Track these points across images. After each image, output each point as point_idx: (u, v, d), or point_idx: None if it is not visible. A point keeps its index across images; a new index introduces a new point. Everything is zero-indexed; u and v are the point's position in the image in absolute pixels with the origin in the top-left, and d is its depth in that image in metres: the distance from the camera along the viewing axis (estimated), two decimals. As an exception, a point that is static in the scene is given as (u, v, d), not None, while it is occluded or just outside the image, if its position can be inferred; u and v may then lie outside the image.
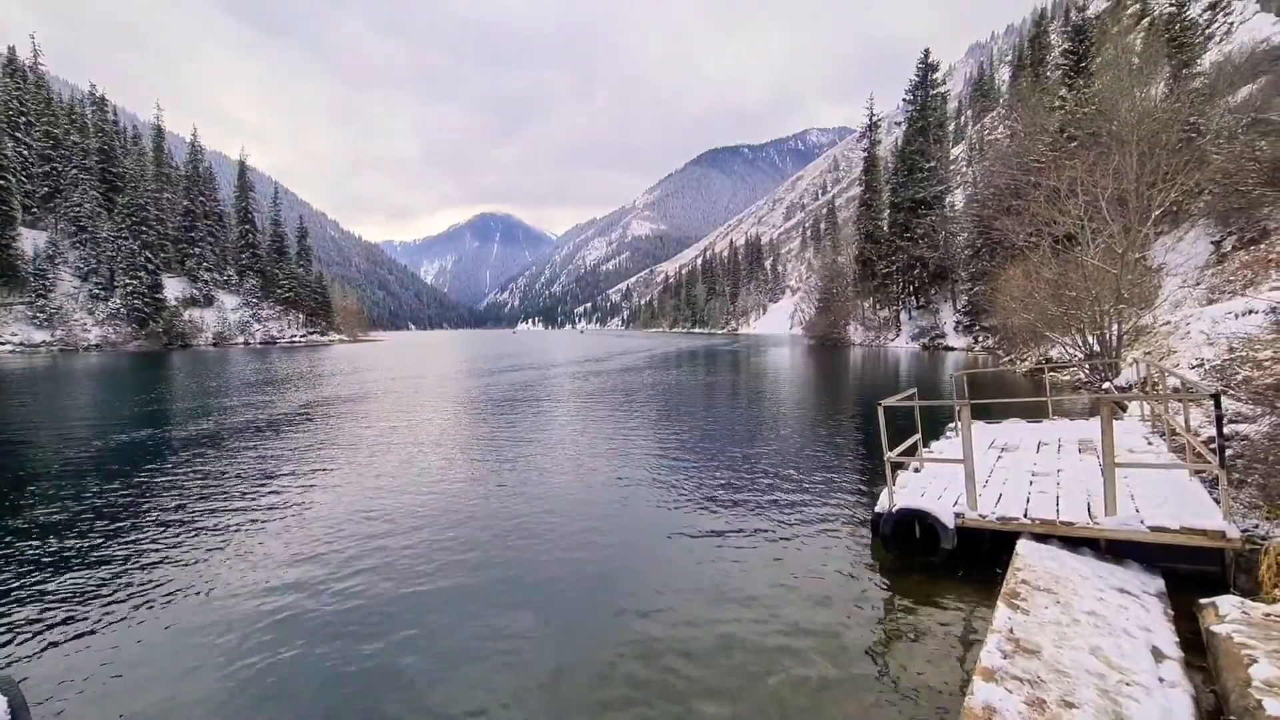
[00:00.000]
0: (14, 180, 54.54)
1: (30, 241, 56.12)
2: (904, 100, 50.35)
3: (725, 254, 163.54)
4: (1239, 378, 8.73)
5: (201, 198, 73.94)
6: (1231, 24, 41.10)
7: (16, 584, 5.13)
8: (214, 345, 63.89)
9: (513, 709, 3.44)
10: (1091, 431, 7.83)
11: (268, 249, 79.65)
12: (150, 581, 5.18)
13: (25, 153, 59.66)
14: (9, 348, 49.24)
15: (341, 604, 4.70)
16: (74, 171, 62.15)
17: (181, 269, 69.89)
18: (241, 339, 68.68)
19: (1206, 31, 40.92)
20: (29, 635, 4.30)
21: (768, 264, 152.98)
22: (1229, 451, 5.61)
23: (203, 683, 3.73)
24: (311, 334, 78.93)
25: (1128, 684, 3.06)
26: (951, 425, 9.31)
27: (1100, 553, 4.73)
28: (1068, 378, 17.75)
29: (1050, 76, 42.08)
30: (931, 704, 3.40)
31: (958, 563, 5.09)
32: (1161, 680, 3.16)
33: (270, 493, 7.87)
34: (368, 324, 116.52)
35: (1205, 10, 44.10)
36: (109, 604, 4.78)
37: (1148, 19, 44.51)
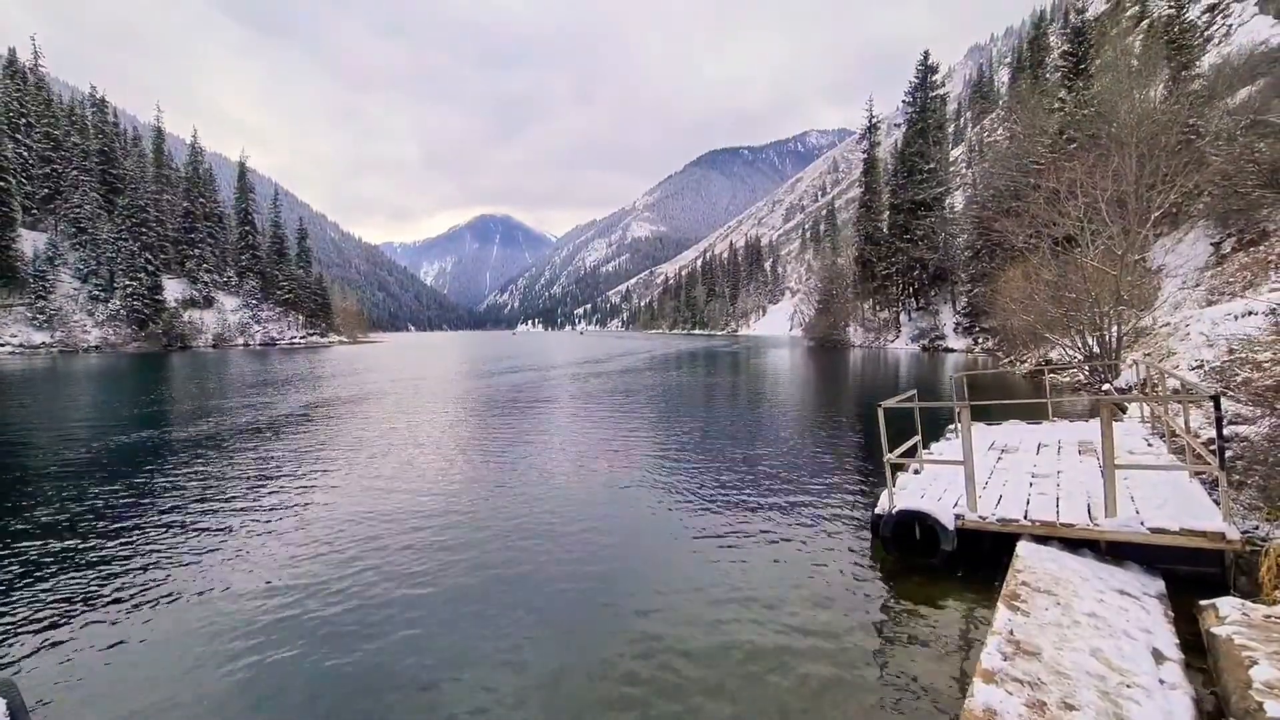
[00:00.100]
0: (14, 181, 54.54)
1: (30, 243, 56.12)
2: (903, 102, 50.39)
3: (725, 255, 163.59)
4: (1239, 379, 8.73)
5: (201, 199, 73.96)
6: (1230, 26, 41.18)
7: (15, 585, 5.12)
8: (214, 347, 63.88)
9: (513, 709, 3.43)
10: (1091, 433, 7.83)
11: (268, 250, 79.65)
12: (149, 582, 5.18)
13: (25, 154, 59.66)
14: (9, 349, 49.23)
15: (341, 604, 4.69)
16: (74, 173, 62.18)
17: (181, 270, 69.87)
18: (241, 340, 68.67)
19: (1205, 34, 41.01)
20: (28, 637, 4.29)
21: (767, 265, 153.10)
22: (1229, 453, 5.61)
23: (202, 684, 3.72)
24: (311, 335, 78.89)
25: (1128, 686, 3.06)
26: (951, 427, 9.30)
27: (1100, 554, 4.73)
28: (1067, 379, 17.75)
29: (1049, 78, 42.13)
30: (932, 705, 3.39)
31: (958, 564, 5.09)
32: (1162, 682, 3.16)
33: (270, 494, 7.87)
34: (367, 325, 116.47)
35: (1204, 12, 44.18)
36: (108, 605, 4.77)
37: (1146, 21, 44.62)
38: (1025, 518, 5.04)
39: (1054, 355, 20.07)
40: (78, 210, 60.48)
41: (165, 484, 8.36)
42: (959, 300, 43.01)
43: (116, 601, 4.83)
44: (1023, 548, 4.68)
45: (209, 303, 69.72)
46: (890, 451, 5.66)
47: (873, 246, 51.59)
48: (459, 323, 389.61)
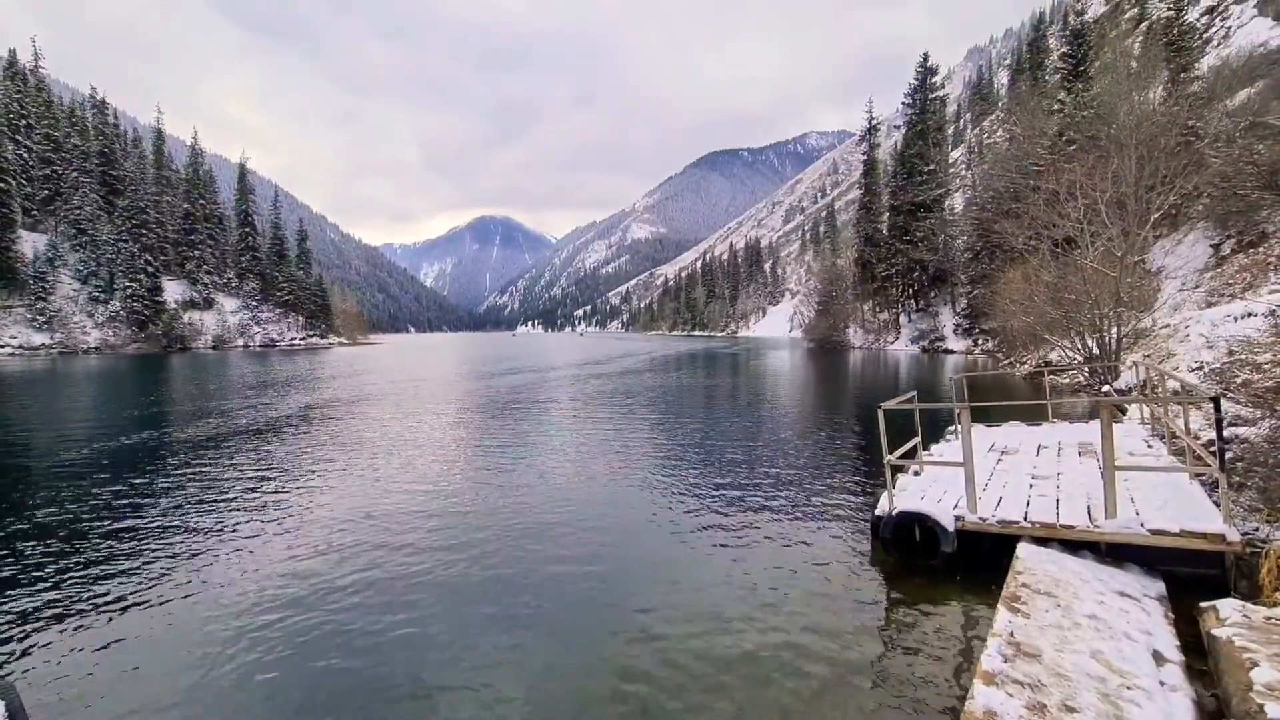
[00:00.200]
0: (14, 183, 54.59)
1: (30, 244, 56.14)
2: (903, 104, 50.44)
3: (725, 257, 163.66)
4: (1239, 380, 8.73)
5: (201, 200, 73.98)
6: (1229, 28, 41.27)
7: (15, 586, 5.11)
8: (213, 348, 63.86)
9: (513, 708, 3.43)
10: (1091, 434, 7.82)
11: (268, 252, 79.68)
12: (149, 583, 5.17)
13: (25, 155, 59.72)
14: (8, 350, 49.21)
15: (341, 604, 4.69)
16: (74, 174, 62.23)
17: (181, 272, 69.88)
18: (241, 342, 68.65)
19: (1204, 36, 41.09)
20: (27, 638, 4.28)
21: (767, 267, 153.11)
22: (1229, 454, 5.61)
23: (201, 684, 3.71)
24: (311, 337, 78.88)
25: (1129, 688, 3.05)
26: (951, 428, 9.30)
27: (1101, 556, 4.72)
28: (1067, 381, 17.75)
29: (1049, 80, 42.20)
30: (932, 707, 3.39)
31: (957, 566, 5.09)
32: (1163, 684, 3.15)
33: (270, 495, 7.86)
34: (367, 327, 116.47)
35: (1203, 14, 44.27)
36: (107, 607, 4.76)
37: (1145, 23, 44.70)
38: (1025, 519, 5.03)
39: (1054, 357, 20.07)
40: (78, 212, 60.51)
41: (164, 485, 8.36)
42: (959, 302, 43.02)
43: (115, 603, 4.82)
44: (1023, 549, 4.67)
45: (209, 304, 69.73)
46: (890, 453, 5.65)
47: (872, 248, 51.62)
48: (459, 324, 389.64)
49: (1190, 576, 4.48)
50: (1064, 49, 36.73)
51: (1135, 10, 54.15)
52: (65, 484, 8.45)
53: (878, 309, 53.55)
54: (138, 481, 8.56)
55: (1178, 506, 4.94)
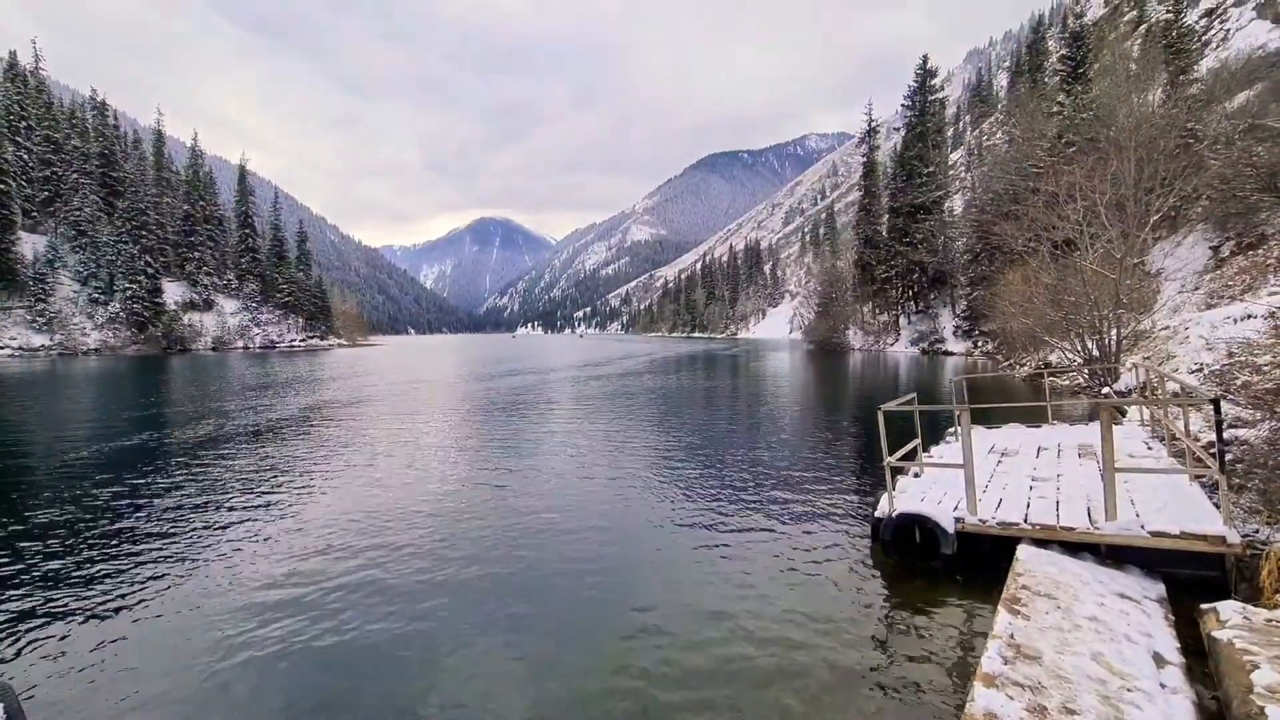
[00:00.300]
0: (14, 184, 54.62)
1: (30, 245, 56.14)
2: (903, 106, 50.49)
3: (724, 258, 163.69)
4: (1238, 382, 8.73)
5: (201, 202, 74.02)
6: (1228, 30, 41.38)
7: (13, 587, 5.10)
8: (213, 349, 63.85)
9: (512, 707, 3.42)
10: (1091, 436, 7.82)
11: (268, 253, 79.71)
12: (148, 585, 5.16)
13: (26, 157, 59.76)
14: (8, 351, 49.19)
15: (341, 604, 4.68)
16: (74, 176, 62.24)
17: (181, 273, 69.90)
18: (241, 343, 68.63)
19: (1203, 38, 41.19)
20: (25, 639, 4.27)
21: (767, 269, 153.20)
22: (1229, 456, 5.61)
23: (200, 685, 3.70)
24: (311, 338, 78.87)
25: (1129, 690, 3.05)
26: (951, 430, 9.30)
27: (1101, 558, 4.72)
28: (1067, 382, 17.74)
29: (1048, 82, 42.24)
30: (932, 709, 3.38)
31: (958, 568, 5.08)
32: (1163, 686, 3.15)
33: (269, 496, 7.85)
34: (367, 328, 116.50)
35: (1202, 17, 44.39)
36: (106, 608, 4.75)
37: (1144, 26, 44.82)
38: (1025, 521, 5.03)
39: (1053, 358, 20.08)
40: (78, 213, 60.52)
41: (164, 486, 8.35)
42: (958, 304, 43.03)
43: (114, 603, 4.82)
44: (1023, 551, 4.67)
45: (209, 305, 69.73)
46: (890, 454, 5.65)
47: (872, 250, 51.64)
48: (459, 326, 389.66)
49: (1190, 578, 4.47)
50: (1063, 51, 36.82)
51: (1134, 13, 54.31)
52: (65, 485, 8.44)
53: (877, 311, 53.56)
54: (137, 482, 8.55)
55: (1178, 508, 4.93)
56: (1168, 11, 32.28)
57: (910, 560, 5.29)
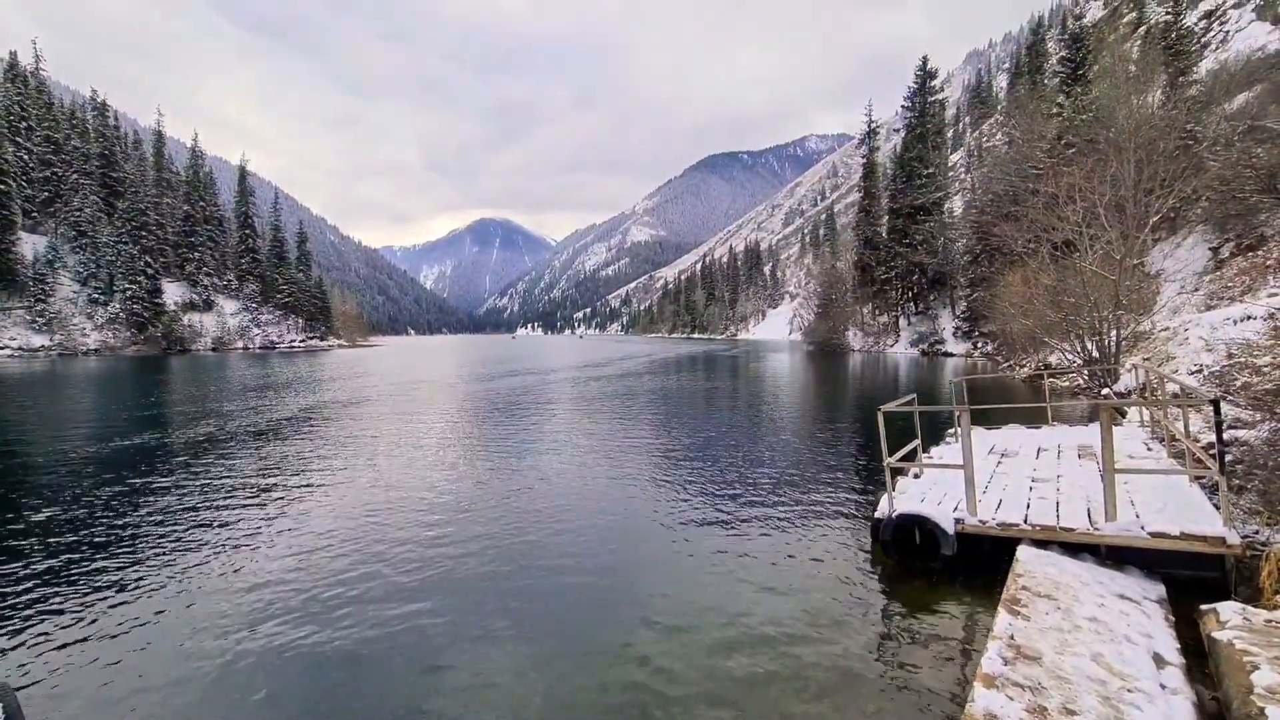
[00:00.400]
0: (14, 185, 54.62)
1: (30, 246, 56.15)
2: (902, 107, 50.56)
3: (725, 259, 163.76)
4: (1238, 383, 8.74)
5: (202, 202, 74.05)
6: (1228, 32, 41.44)
7: (12, 588, 5.10)
8: (213, 350, 63.84)
9: (512, 706, 3.42)
10: (1091, 437, 7.82)
11: (268, 254, 79.74)
12: (147, 585, 5.16)
13: (26, 157, 59.76)
14: (8, 352, 49.17)
15: (341, 604, 4.68)
16: (74, 176, 62.28)
17: (181, 273, 69.90)
18: (241, 344, 68.62)
19: (1203, 40, 41.25)
20: (24, 640, 4.27)
21: (767, 270, 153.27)
22: (1229, 457, 5.62)
23: (200, 686, 3.70)
24: (311, 339, 78.88)
25: (1129, 690, 3.05)
26: (951, 431, 9.30)
27: (1101, 559, 4.72)
28: (1067, 383, 17.74)
29: (1048, 84, 42.30)
30: (932, 710, 3.38)
31: (958, 568, 5.08)
32: (1163, 687, 3.15)
33: (269, 496, 7.85)
34: (367, 329, 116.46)
35: (1201, 19, 44.45)
36: (105, 609, 4.75)
37: (1144, 27, 44.88)
38: (1025, 522, 5.03)
39: (1053, 360, 20.08)
40: (78, 213, 60.54)
41: (163, 486, 8.34)
42: (958, 305, 43.05)
43: (114, 603, 4.81)
44: (1023, 552, 4.67)
45: (208, 306, 69.73)
46: (890, 455, 5.65)
47: (872, 251, 51.69)
48: (459, 326, 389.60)
49: (1190, 579, 4.47)
50: (1063, 53, 36.92)
51: (1134, 14, 54.41)
52: (65, 485, 8.44)
53: (877, 312, 53.58)
54: (137, 482, 8.55)
55: (1178, 509, 4.93)
56: (1167, 13, 32.34)
57: (910, 561, 5.29)
